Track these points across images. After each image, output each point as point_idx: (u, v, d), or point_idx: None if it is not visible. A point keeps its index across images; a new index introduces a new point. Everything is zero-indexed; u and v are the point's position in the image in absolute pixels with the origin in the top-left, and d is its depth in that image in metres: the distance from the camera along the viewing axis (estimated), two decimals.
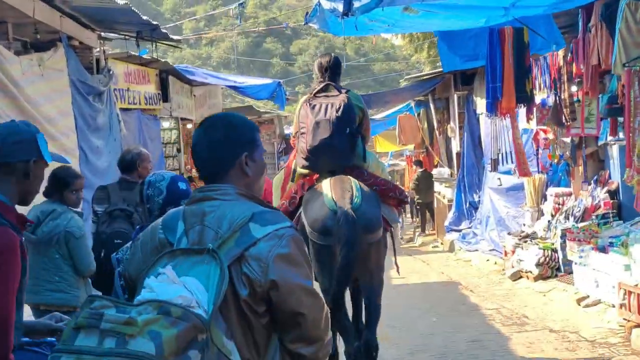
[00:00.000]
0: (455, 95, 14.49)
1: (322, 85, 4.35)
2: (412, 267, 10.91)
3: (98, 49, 8.93)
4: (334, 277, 3.90)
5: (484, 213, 11.53)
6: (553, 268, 8.07)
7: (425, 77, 14.23)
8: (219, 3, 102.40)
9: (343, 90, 4.36)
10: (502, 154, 8.96)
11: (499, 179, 9.96)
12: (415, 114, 16.69)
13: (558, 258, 8.02)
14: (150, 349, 1.56)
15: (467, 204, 12.60)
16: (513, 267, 8.74)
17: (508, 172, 10.23)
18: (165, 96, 12.27)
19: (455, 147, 15.37)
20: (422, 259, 11.74)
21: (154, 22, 7.68)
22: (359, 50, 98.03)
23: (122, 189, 4.47)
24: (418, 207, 16.12)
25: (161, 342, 1.56)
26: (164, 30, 8.21)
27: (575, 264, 7.11)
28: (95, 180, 7.50)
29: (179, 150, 13.08)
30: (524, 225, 9.41)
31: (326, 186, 4.07)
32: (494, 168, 9.35)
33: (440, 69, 14.24)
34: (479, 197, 12.38)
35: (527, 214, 9.64)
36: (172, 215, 1.98)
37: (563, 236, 7.81)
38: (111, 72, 8.93)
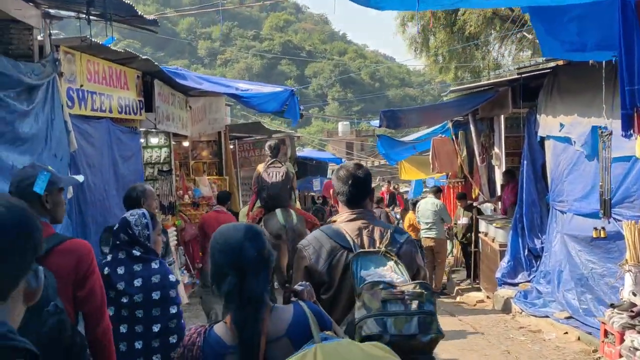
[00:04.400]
0: (502, 116, 11.91)
1: (271, 160, 8.01)
2: (460, 337, 8.16)
3: (43, 32, 6.50)
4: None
5: (553, 265, 8.83)
6: None
7: (474, 91, 11.60)
8: (235, 24, 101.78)
9: (283, 162, 8.19)
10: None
11: (602, 228, 7.09)
12: (452, 137, 14.09)
13: None
14: (433, 309, 2.57)
15: (526, 250, 9.87)
16: (621, 356, 6.03)
17: (593, 215, 7.56)
18: (149, 105, 9.82)
19: (499, 177, 12.76)
20: (470, 322, 8.97)
21: None
22: (374, 75, 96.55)
23: None
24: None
25: (435, 305, 2.61)
26: (127, 1, 5.66)
27: None
28: None
29: (162, 172, 10.49)
30: (629, 292, 6.68)
31: (279, 213, 7.80)
32: (607, 212, 6.61)
33: (490, 81, 11.71)
34: (542, 242, 9.68)
35: (628, 275, 6.92)
36: (334, 230, 2.92)
37: None
38: (57, 63, 6.43)
